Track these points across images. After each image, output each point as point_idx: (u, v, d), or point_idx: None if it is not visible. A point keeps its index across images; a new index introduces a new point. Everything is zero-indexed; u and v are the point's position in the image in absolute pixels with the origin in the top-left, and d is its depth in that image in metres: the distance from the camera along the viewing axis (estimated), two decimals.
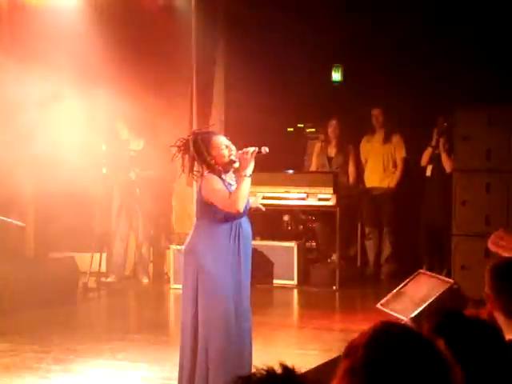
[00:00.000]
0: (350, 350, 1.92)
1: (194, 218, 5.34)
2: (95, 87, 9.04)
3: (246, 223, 5.15)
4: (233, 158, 5.06)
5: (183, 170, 5.17)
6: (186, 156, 5.11)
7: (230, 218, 5.03)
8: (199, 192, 5.10)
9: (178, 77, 9.56)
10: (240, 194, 4.93)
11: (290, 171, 9.74)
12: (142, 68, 9.34)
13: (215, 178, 5.03)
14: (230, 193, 4.98)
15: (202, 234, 5.08)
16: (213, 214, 5.02)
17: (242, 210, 4.95)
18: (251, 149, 5.01)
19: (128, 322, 8.17)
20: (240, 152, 5.04)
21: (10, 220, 8.14)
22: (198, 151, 5.04)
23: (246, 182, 4.96)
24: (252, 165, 4.99)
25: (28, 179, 8.94)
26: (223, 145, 5.07)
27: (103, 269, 9.48)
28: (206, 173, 5.07)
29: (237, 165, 5.09)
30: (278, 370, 1.74)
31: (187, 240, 5.17)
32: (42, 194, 9.37)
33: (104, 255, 9.54)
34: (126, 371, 6.09)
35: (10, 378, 5.86)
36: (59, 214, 9.74)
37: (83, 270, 8.97)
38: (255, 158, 5.02)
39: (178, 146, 5.15)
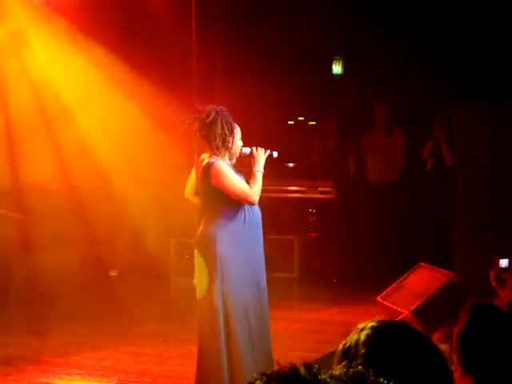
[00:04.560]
0: (348, 349, 1.92)
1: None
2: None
3: (256, 207, 5.14)
4: (243, 150, 5.14)
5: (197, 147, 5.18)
6: (200, 129, 5.06)
7: (241, 203, 5.05)
8: (207, 179, 5.03)
9: (177, 70, 9.55)
10: (259, 188, 5.06)
11: (291, 164, 9.73)
12: (141, 62, 9.34)
13: (226, 165, 5.03)
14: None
15: (216, 221, 5.03)
16: (224, 200, 5.01)
17: (257, 202, 5.06)
18: (263, 150, 5.18)
19: (130, 315, 8.17)
20: (255, 148, 5.15)
21: (9, 213, 8.15)
22: (222, 130, 5.01)
23: (261, 177, 5.10)
24: (264, 161, 5.13)
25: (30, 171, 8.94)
26: (239, 134, 5.14)
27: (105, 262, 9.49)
28: (213, 159, 5.02)
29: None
30: (302, 370, 1.74)
31: (201, 229, 5.11)
32: (44, 186, 9.36)
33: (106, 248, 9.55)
34: (127, 364, 6.09)
35: (11, 371, 5.87)
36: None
37: (86, 262, 8.98)
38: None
39: (196, 118, 5.06)
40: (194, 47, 9.40)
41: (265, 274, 5.16)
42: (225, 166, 5.01)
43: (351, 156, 9.98)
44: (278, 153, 5.27)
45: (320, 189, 9.34)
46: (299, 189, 9.41)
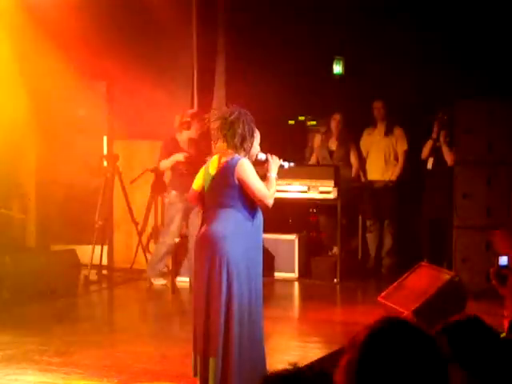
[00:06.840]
0: (352, 343, 1.94)
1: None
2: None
3: (260, 213, 5.18)
4: (259, 156, 5.20)
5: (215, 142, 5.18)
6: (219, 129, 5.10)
7: (256, 205, 5.08)
8: (230, 175, 5.02)
9: (178, 69, 9.55)
10: (274, 191, 5.12)
11: (291, 164, 9.71)
12: (142, 61, 9.34)
13: (251, 164, 5.08)
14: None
15: (228, 220, 5.02)
16: (243, 199, 5.02)
17: (271, 205, 5.11)
18: (276, 157, 5.30)
19: (129, 315, 8.17)
20: (269, 155, 5.24)
21: (10, 212, 8.15)
22: (243, 131, 5.06)
23: (275, 182, 5.18)
24: (277, 168, 5.24)
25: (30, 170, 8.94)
26: (258, 139, 5.18)
27: (104, 261, 9.48)
28: (237, 156, 5.04)
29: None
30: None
31: (209, 227, 5.06)
32: (44, 186, 9.37)
33: (105, 248, 9.53)
34: (128, 363, 6.08)
35: (11, 370, 5.86)
36: (61, 206, 9.75)
37: (84, 262, 8.97)
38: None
39: (219, 116, 5.11)
40: (194, 47, 9.42)
41: (261, 281, 5.15)
42: (251, 165, 5.07)
43: (353, 155, 9.98)
44: (289, 163, 5.44)
45: (320, 188, 9.33)
46: (300, 188, 9.40)
